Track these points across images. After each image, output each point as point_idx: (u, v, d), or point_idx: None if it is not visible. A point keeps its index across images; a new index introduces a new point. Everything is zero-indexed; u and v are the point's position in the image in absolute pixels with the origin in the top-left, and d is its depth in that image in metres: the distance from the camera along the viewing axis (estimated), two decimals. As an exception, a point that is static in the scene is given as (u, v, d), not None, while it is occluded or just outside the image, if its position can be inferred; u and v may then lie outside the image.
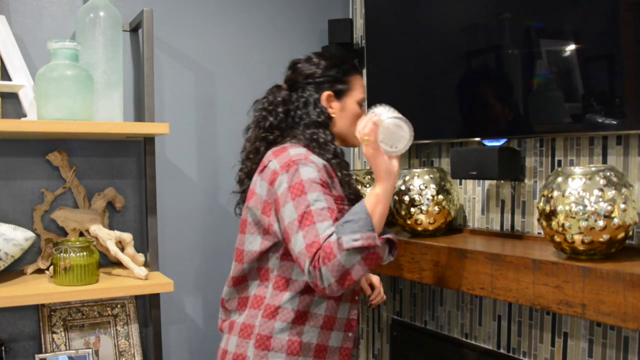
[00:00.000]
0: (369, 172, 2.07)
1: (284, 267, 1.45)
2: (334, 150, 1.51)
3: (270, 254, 1.46)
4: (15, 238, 1.71)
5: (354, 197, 1.51)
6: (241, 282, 1.51)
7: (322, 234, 1.32)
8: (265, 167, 1.48)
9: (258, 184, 1.48)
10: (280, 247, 1.45)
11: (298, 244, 1.34)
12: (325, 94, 1.56)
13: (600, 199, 1.31)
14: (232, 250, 2.22)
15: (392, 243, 1.38)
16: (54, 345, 1.86)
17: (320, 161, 1.45)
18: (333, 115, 1.56)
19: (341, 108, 1.57)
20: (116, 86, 1.83)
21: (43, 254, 1.89)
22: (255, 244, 1.48)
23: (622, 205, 1.31)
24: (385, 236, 1.35)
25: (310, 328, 1.46)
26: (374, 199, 1.37)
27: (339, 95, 1.57)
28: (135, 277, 1.81)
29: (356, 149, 2.45)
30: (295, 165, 1.41)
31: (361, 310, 2.42)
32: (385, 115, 1.39)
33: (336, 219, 1.36)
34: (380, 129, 1.38)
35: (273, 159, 1.46)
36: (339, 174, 1.49)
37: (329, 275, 1.30)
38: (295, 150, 1.46)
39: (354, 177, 1.57)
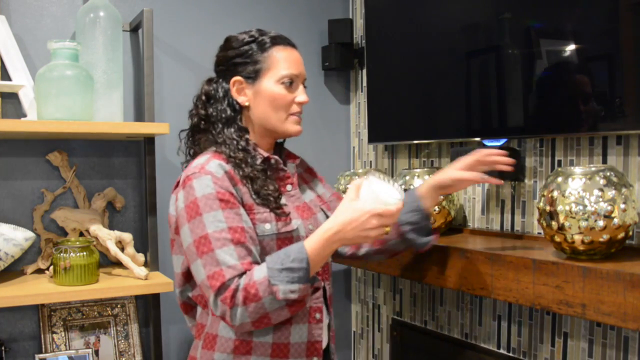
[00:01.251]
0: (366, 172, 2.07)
1: None
2: (238, 146, 1.32)
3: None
4: (15, 238, 1.71)
5: (266, 194, 1.30)
6: (188, 309, 1.40)
7: (225, 262, 1.18)
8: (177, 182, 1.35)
9: (171, 202, 1.35)
10: None
11: (199, 273, 1.21)
12: (233, 80, 1.36)
13: (600, 199, 1.31)
14: (232, 250, 2.23)
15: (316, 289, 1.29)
16: (54, 345, 1.86)
17: (220, 169, 1.27)
18: (247, 104, 1.36)
19: (255, 93, 1.35)
20: (116, 86, 1.83)
21: (43, 254, 1.89)
22: (178, 265, 1.36)
23: (622, 205, 1.31)
24: (316, 284, 1.25)
25: (257, 358, 1.28)
26: (321, 243, 1.21)
27: (251, 78, 1.35)
28: (135, 277, 1.81)
29: (356, 148, 2.45)
30: (189, 180, 1.26)
31: (361, 310, 2.42)
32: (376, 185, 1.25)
33: (239, 242, 1.21)
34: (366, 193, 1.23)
35: (182, 173, 1.34)
36: (239, 172, 1.29)
37: (245, 316, 1.18)
38: (197, 161, 1.30)
39: (262, 166, 1.34)
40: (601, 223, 1.30)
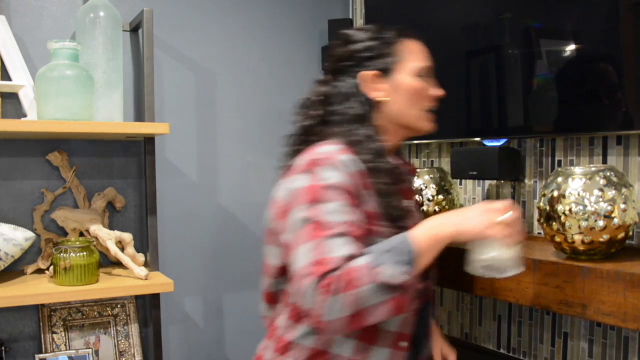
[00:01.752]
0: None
1: None
2: (373, 149, 1.21)
3: (288, 273, 1.20)
4: (15, 238, 1.71)
5: (396, 215, 1.19)
6: (272, 300, 1.29)
7: (335, 252, 1.03)
8: (290, 168, 1.23)
9: (279, 187, 1.23)
10: None
11: (300, 258, 1.06)
12: (365, 75, 1.26)
13: (600, 199, 1.31)
14: (232, 250, 2.24)
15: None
16: (54, 345, 1.86)
17: (353, 165, 1.16)
18: (385, 99, 1.26)
19: (393, 87, 1.26)
20: (116, 86, 1.83)
21: (43, 254, 1.89)
22: (273, 256, 1.25)
23: (622, 205, 1.31)
24: (419, 284, 1.07)
25: None
26: (432, 240, 1.08)
27: (386, 71, 1.26)
28: (135, 277, 1.81)
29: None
30: (317, 165, 1.14)
31: None
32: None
33: (354, 237, 1.08)
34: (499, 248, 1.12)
35: (300, 157, 1.21)
36: (371, 179, 1.18)
37: (343, 307, 1.00)
38: (324, 148, 1.18)
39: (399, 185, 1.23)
40: (601, 223, 1.30)
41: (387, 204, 1.19)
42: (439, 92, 1.33)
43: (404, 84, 1.27)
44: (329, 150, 1.17)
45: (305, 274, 1.04)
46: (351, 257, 1.04)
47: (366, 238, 1.12)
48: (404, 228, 1.16)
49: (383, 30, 1.30)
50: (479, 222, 1.10)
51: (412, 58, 1.29)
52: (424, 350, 1.33)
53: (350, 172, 1.15)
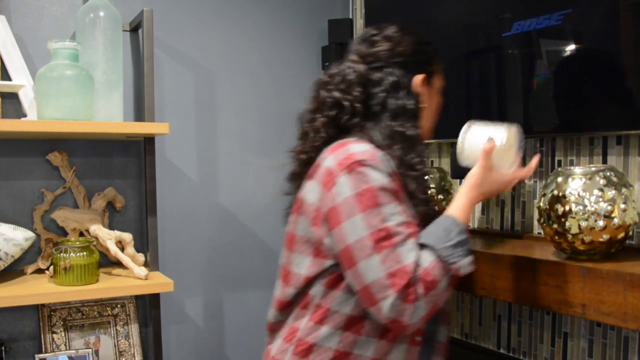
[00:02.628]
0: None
1: (326, 296, 1.18)
2: (420, 152, 1.22)
3: (316, 279, 1.19)
4: (15, 238, 1.71)
5: (426, 218, 1.19)
6: (287, 306, 1.25)
7: (407, 259, 1.05)
8: (318, 166, 1.19)
9: (309, 188, 1.19)
10: (328, 274, 1.17)
11: (372, 271, 1.06)
12: (420, 77, 1.25)
13: (600, 199, 1.31)
14: (232, 250, 2.23)
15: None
16: (54, 345, 1.86)
17: (388, 164, 1.15)
18: (424, 106, 1.26)
19: (429, 96, 1.28)
20: (116, 86, 1.83)
21: (43, 254, 1.89)
22: (302, 266, 1.20)
23: (622, 205, 1.31)
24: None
25: None
26: (467, 212, 1.17)
27: (428, 80, 1.28)
28: (135, 277, 1.81)
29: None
30: (360, 166, 1.11)
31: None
32: (499, 138, 1.24)
33: (414, 237, 1.10)
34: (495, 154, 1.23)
35: (328, 156, 1.16)
36: (412, 185, 1.18)
37: (423, 309, 1.06)
38: (358, 147, 1.15)
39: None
40: (601, 223, 1.30)
41: (419, 210, 1.20)
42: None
43: (435, 96, 1.31)
44: (367, 149, 1.15)
45: (383, 287, 1.06)
46: (419, 259, 1.09)
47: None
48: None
49: (427, 40, 1.32)
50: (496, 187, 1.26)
51: (440, 75, 1.33)
52: (439, 336, 1.33)
53: (389, 171, 1.14)
